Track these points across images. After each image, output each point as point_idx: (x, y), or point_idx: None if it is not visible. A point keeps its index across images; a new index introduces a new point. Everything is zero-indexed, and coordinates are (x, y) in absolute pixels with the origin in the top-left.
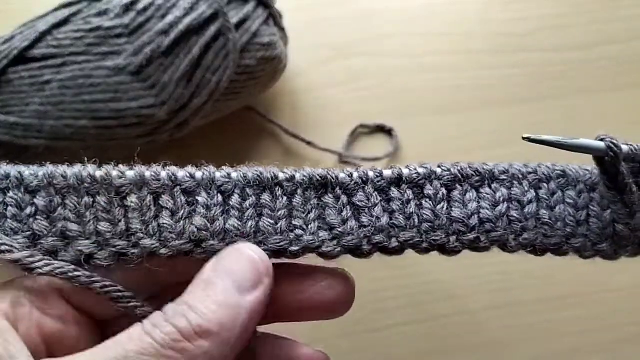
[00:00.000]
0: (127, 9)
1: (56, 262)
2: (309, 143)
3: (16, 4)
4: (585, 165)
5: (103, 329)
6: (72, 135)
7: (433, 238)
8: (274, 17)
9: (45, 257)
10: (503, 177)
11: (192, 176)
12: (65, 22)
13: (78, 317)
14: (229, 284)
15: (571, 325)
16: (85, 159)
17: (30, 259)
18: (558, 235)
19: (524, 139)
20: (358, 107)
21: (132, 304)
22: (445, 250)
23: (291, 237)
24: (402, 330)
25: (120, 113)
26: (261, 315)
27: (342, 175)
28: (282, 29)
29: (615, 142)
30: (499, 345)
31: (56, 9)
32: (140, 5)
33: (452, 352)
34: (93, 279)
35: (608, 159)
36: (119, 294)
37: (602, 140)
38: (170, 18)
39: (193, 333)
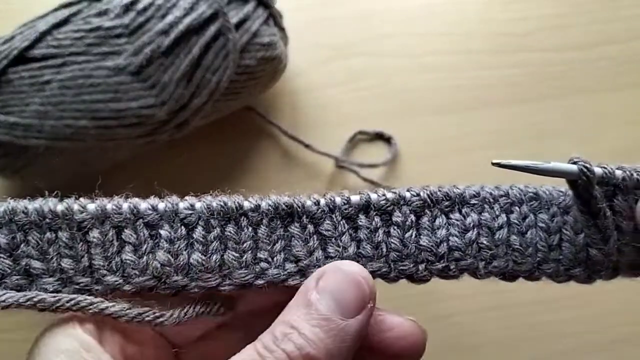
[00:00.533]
0: (127, 9)
1: (17, 293)
2: (307, 146)
3: (16, 4)
4: (560, 186)
5: (178, 352)
6: (72, 135)
7: (401, 268)
8: (274, 17)
9: (8, 292)
10: (474, 201)
11: (154, 208)
12: (65, 22)
13: (157, 339)
14: (333, 306)
15: (570, 325)
16: (46, 192)
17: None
18: (529, 262)
19: (493, 164)
20: (358, 107)
21: (102, 306)
22: (413, 279)
23: (257, 270)
24: None
25: (120, 113)
26: (362, 339)
27: (308, 203)
28: (282, 29)
29: (587, 165)
30: (499, 346)
31: (56, 9)
32: (140, 6)
33: (452, 352)
34: (58, 296)
35: (581, 183)
36: (87, 301)
37: (574, 163)
38: (170, 18)
39: (302, 359)
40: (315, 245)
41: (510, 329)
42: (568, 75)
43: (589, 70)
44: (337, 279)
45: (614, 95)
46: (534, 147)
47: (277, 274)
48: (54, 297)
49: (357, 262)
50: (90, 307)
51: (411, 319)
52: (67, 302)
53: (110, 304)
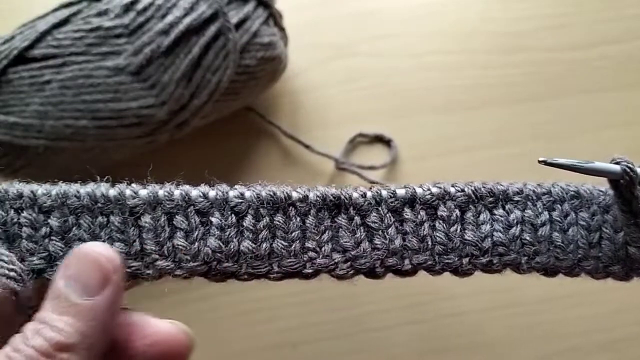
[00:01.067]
0: (127, 9)
1: None
2: (307, 146)
3: (16, 3)
4: (600, 185)
5: None
6: (72, 135)
7: (446, 261)
8: (274, 17)
9: None
10: (517, 198)
11: (205, 196)
12: (65, 22)
13: None
14: (78, 290)
15: (572, 325)
16: (98, 177)
17: None
18: (570, 258)
19: (540, 162)
20: (357, 106)
21: None
22: (457, 272)
23: (305, 259)
24: (402, 330)
25: (120, 113)
26: (119, 307)
27: (355, 195)
28: (282, 29)
29: (630, 165)
30: (500, 346)
31: (56, 9)
32: (140, 5)
33: (453, 352)
34: None
35: (623, 182)
36: None
37: (617, 163)
38: (170, 18)
39: (53, 350)
40: (363, 236)
41: (512, 328)
42: (568, 75)
43: (589, 70)
44: (77, 262)
45: (614, 95)
46: (534, 147)
47: (325, 263)
48: None
49: (403, 254)
50: None
51: (174, 322)
52: None
53: None
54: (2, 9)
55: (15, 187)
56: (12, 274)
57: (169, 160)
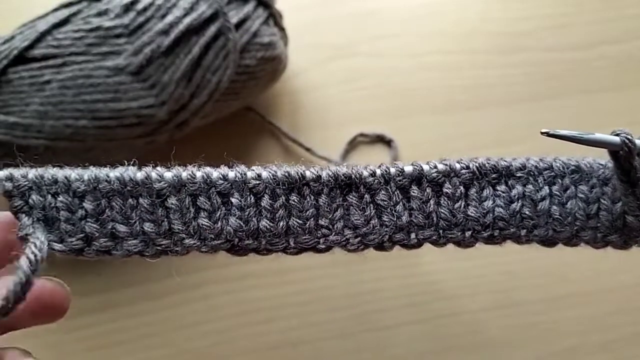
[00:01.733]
0: (127, 9)
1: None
2: (307, 149)
3: (16, 3)
4: (600, 158)
5: None
6: (72, 135)
7: (450, 236)
8: (274, 17)
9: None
10: (519, 173)
11: (225, 178)
12: (65, 22)
13: None
14: None
15: (571, 325)
16: (125, 161)
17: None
18: (567, 230)
19: (542, 133)
20: (358, 106)
21: None
22: (460, 245)
23: (318, 235)
24: (402, 330)
25: (120, 113)
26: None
27: (365, 174)
28: (282, 29)
29: (630, 137)
30: (499, 345)
31: (56, 9)
32: (140, 5)
33: (453, 352)
34: None
35: (622, 153)
36: None
37: (617, 135)
38: (170, 18)
39: None
40: (372, 214)
41: (511, 328)
42: (568, 75)
43: (589, 70)
44: None
45: (614, 95)
46: (534, 147)
47: (337, 239)
48: None
49: (409, 230)
50: None
51: (50, 278)
52: None
53: None
54: (2, 9)
55: (50, 172)
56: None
57: (169, 160)
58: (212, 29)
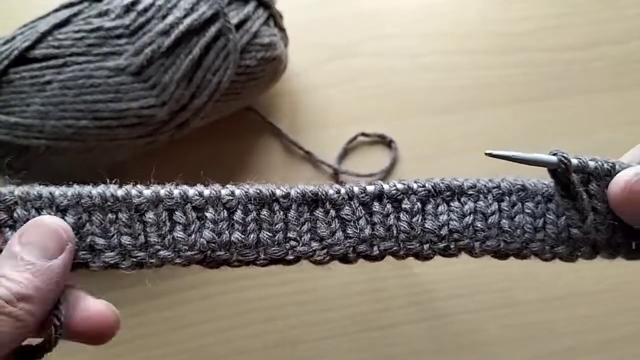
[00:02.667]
0: (127, 9)
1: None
2: (307, 152)
3: (17, 4)
4: (544, 179)
5: None
6: (73, 135)
7: (409, 247)
8: (274, 18)
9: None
10: (471, 191)
11: (200, 194)
12: (66, 22)
13: None
14: (36, 253)
15: (569, 325)
16: (107, 179)
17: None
18: (517, 241)
19: (486, 154)
20: (357, 107)
21: None
22: (419, 257)
23: (287, 247)
24: (402, 329)
25: (121, 113)
26: (69, 271)
27: (330, 192)
28: (282, 30)
29: (565, 155)
30: (498, 345)
31: (57, 10)
32: (140, 6)
33: (451, 351)
34: None
35: (560, 171)
36: None
37: (554, 154)
38: (170, 18)
39: (15, 299)
40: (337, 227)
41: (510, 327)
42: (568, 75)
43: (588, 70)
44: (36, 231)
45: (614, 95)
46: (534, 147)
47: (304, 250)
48: None
49: (372, 242)
50: None
51: (107, 303)
52: None
53: None
54: (3, 9)
55: (36, 189)
56: None
57: (169, 160)
58: (212, 30)
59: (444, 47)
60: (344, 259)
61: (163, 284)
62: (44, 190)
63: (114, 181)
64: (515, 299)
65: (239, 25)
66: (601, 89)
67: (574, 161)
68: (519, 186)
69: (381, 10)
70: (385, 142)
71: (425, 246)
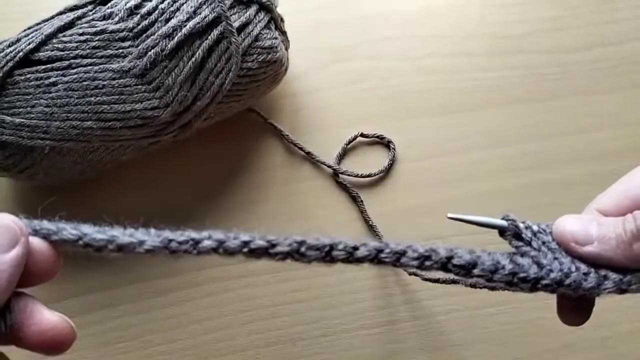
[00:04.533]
0: (131, 12)
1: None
2: (307, 153)
3: (21, 6)
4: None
5: None
6: (78, 136)
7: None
8: (275, 21)
9: None
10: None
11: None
12: (70, 25)
13: None
14: None
15: None
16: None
17: None
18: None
19: (448, 218)
20: (358, 109)
21: None
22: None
23: None
24: (399, 327)
25: (125, 115)
26: (22, 269)
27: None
28: (283, 33)
29: (514, 219)
30: (493, 343)
31: (61, 12)
32: (144, 10)
33: (450, 348)
34: None
35: (509, 233)
36: None
37: (504, 219)
38: (173, 22)
39: None
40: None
41: (508, 325)
42: (566, 76)
43: (586, 72)
44: None
45: (612, 96)
46: (532, 148)
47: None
48: None
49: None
50: None
51: (61, 315)
52: None
53: None
54: (8, 11)
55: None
56: None
57: (173, 160)
58: (214, 33)
59: (443, 50)
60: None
61: (167, 282)
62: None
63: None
64: (511, 297)
65: (241, 29)
66: (599, 90)
67: (521, 225)
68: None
69: (381, 13)
70: (384, 142)
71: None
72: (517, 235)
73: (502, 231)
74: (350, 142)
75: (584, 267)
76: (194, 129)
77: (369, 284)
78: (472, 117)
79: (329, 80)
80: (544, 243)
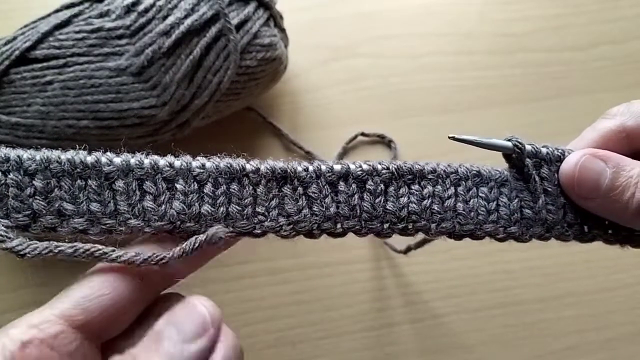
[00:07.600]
0: (128, 10)
1: (40, 243)
2: (307, 152)
3: (18, 4)
4: (498, 166)
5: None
6: (74, 135)
7: (370, 226)
8: (274, 18)
9: (32, 242)
10: (430, 176)
11: (171, 165)
12: (67, 23)
13: (87, 352)
14: (174, 335)
15: (569, 324)
16: (77, 145)
17: (20, 246)
18: (470, 223)
19: (449, 137)
20: (357, 107)
21: (114, 255)
22: (379, 235)
23: (255, 221)
24: (399, 329)
25: (122, 113)
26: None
27: (299, 169)
28: (282, 30)
29: (520, 141)
30: (498, 344)
31: (58, 10)
32: (141, 7)
33: (451, 350)
34: (75, 246)
35: (515, 155)
36: (100, 251)
37: (509, 140)
38: (171, 19)
39: None
40: (304, 204)
41: (509, 327)
42: (567, 75)
43: (587, 71)
44: (183, 312)
45: (613, 95)
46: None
47: (271, 225)
48: (72, 247)
49: (336, 220)
50: (104, 255)
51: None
52: (83, 251)
53: (122, 252)
54: (3, 9)
55: (3, 151)
56: None
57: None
58: (213, 30)
59: (444, 48)
60: (309, 235)
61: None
62: (12, 152)
63: (83, 147)
64: (514, 299)
65: (240, 26)
66: (600, 89)
67: (528, 147)
68: (474, 172)
69: (381, 11)
70: (384, 141)
71: (385, 225)
72: (519, 167)
73: (507, 155)
74: (350, 141)
75: (570, 217)
76: (191, 127)
77: (369, 286)
78: (473, 115)
79: (329, 79)
80: (543, 180)
